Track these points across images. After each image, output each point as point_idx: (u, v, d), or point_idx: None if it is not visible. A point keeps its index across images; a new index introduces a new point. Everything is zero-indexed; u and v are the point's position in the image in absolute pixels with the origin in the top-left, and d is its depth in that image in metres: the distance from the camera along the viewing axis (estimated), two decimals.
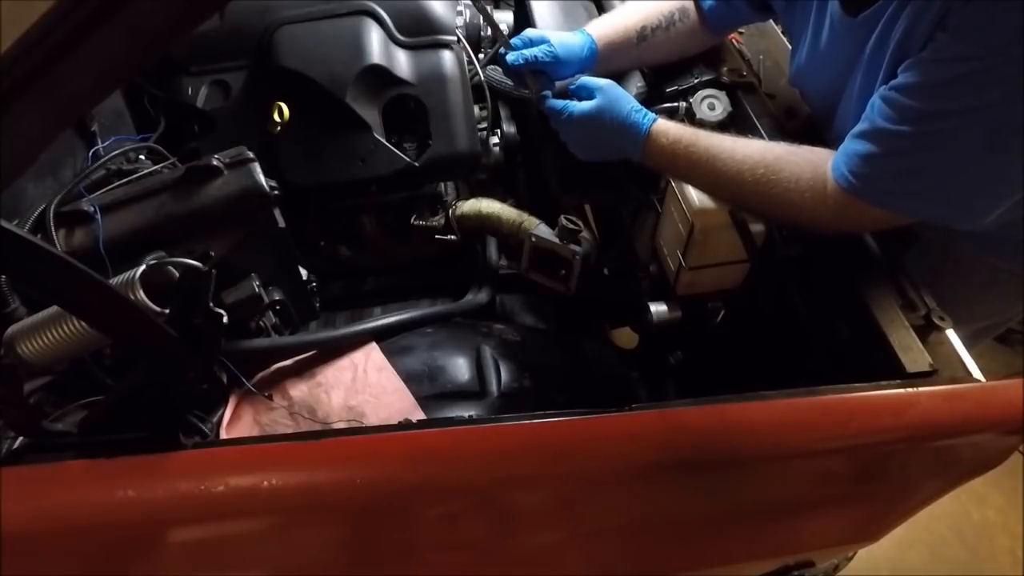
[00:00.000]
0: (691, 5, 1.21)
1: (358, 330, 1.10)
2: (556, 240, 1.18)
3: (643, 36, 1.19)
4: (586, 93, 1.07)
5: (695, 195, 1.07)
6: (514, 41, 1.11)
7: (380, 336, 1.12)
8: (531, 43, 1.11)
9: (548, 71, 1.11)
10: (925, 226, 1.08)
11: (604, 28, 1.18)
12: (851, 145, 0.91)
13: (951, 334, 0.92)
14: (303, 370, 1.06)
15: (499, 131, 1.30)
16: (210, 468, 0.71)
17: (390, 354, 1.08)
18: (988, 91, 0.80)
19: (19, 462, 0.71)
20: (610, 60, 1.19)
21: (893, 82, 0.87)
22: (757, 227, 1.05)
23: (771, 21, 1.34)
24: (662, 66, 1.26)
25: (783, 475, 0.88)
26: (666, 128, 1.03)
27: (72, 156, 1.06)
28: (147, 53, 0.56)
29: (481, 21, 1.33)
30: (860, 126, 0.90)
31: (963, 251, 1.14)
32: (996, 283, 1.16)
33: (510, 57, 1.09)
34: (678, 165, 1.03)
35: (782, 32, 1.33)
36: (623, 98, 1.06)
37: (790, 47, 1.19)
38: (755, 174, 0.96)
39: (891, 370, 0.88)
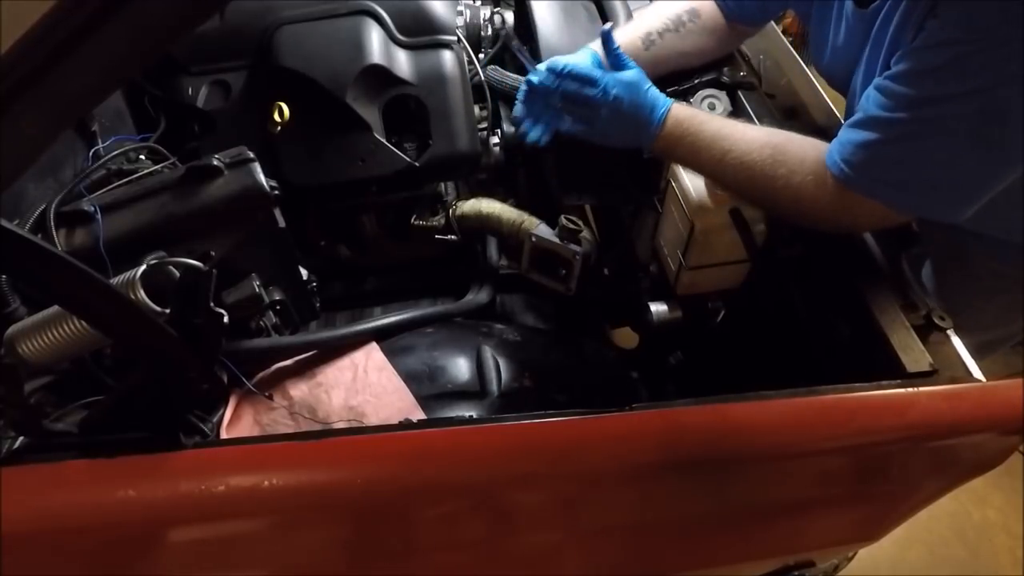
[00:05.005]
0: (701, 5, 1.20)
1: (358, 330, 1.10)
2: (556, 240, 1.18)
3: (650, 41, 1.18)
4: (621, 63, 1.04)
5: (695, 195, 1.07)
6: (542, 79, 1.07)
7: (380, 336, 1.11)
8: (557, 74, 1.06)
9: None
10: (925, 225, 1.08)
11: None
12: (844, 134, 0.91)
13: (951, 334, 0.92)
14: (303, 370, 1.06)
15: (499, 131, 1.30)
16: (210, 468, 0.71)
17: (390, 354, 1.08)
18: (976, 76, 0.80)
19: (19, 462, 0.71)
20: None
21: (887, 72, 0.88)
22: (757, 227, 1.05)
23: (771, 22, 1.34)
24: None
25: (783, 475, 0.88)
26: (677, 108, 1.02)
27: (72, 156, 1.06)
28: (147, 53, 0.56)
29: (481, 21, 1.33)
30: (855, 115, 0.91)
31: (967, 255, 1.14)
32: (1000, 290, 1.16)
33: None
34: (685, 145, 1.01)
35: (798, 25, 1.30)
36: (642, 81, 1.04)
37: (812, 39, 1.16)
38: (762, 154, 0.96)
39: (891, 370, 0.88)
